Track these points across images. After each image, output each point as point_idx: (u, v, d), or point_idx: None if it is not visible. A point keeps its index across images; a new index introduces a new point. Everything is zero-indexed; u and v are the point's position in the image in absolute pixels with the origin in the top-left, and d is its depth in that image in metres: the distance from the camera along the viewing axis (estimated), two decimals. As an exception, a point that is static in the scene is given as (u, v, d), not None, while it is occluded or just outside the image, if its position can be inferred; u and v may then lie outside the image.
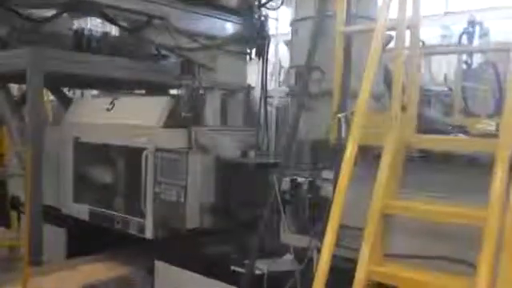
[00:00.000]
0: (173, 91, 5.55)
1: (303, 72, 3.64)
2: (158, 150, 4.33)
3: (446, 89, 7.44)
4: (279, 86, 7.87)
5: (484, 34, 7.85)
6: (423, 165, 3.04)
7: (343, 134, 3.18)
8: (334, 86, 3.32)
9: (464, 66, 7.25)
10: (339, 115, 3.17)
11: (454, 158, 3.20)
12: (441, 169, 3.09)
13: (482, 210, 2.16)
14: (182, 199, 4.15)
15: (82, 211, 5.08)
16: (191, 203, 4.15)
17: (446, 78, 8.26)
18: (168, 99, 4.59)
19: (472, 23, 7.79)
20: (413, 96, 3.01)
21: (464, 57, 7.19)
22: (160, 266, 4.32)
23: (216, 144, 4.44)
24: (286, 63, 9.17)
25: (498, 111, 6.16)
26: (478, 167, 3.04)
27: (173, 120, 4.43)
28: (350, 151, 2.62)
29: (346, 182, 2.57)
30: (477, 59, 7.68)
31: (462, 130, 3.23)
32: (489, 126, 3.02)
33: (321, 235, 3.33)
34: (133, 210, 4.52)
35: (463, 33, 7.70)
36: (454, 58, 7.84)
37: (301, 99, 3.64)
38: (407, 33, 2.93)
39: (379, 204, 2.67)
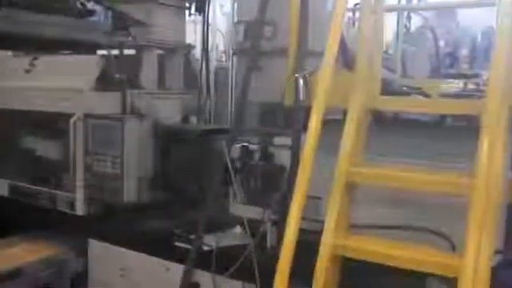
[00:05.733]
0: (103, 51, 5.00)
1: (253, 27, 3.30)
2: (87, 115, 3.86)
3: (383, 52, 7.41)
4: (216, 48, 7.48)
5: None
6: (382, 129, 2.86)
7: (301, 96, 2.91)
8: (289, 42, 3.02)
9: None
10: (297, 75, 2.88)
11: (414, 121, 3.06)
12: (401, 132, 2.93)
13: (468, 177, 1.97)
14: (118, 170, 3.72)
15: (0, 187, 4.52)
16: (128, 174, 3.74)
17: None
18: (98, 58, 4.08)
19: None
20: (377, 56, 2.78)
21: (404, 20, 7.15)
22: (94, 244, 3.91)
23: (154, 109, 4.02)
24: (221, 25, 8.78)
25: (434, 74, 6.25)
26: (441, 130, 2.92)
27: (104, 82, 3.95)
28: (316, 121, 2.34)
29: (312, 154, 2.31)
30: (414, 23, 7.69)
31: (420, 91, 3.07)
32: (455, 86, 2.86)
33: (275, 206, 3.12)
34: (61, 184, 4.04)
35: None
36: (392, 22, 7.82)
37: (251, 58, 3.31)
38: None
39: (345, 172, 2.44)
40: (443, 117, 2.93)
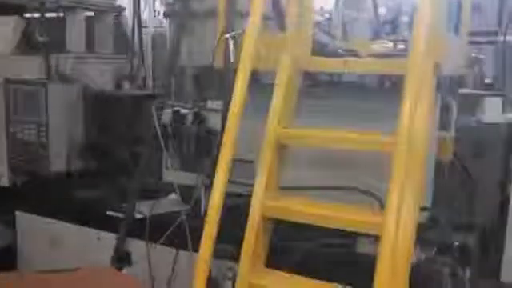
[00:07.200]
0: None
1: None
2: (8, 81, 3.63)
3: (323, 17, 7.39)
4: (154, 14, 7.22)
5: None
6: (310, 90, 2.82)
7: (231, 58, 2.82)
8: (219, 2, 2.91)
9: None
10: (226, 35, 2.78)
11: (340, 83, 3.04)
12: (327, 94, 2.91)
13: (391, 135, 1.96)
14: (44, 138, 3.55)
15: None
16: (55, 142, 3.58)
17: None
18: (18, 20, 3.82)
19: None
20: (307, 16, 2.71)
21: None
22: (22, 216, 3.74)
23: (82, 74, 3.83)
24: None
25: (374, 37, 6.29)
26: (366, 91, 2.91)
27: (26, 45, 3.72)
28: (241, 83, 2.26)
29: (237, 117, 2.24)
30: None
31: (353, 52, 3.05)
32: (385, 46, 2.85)
33: (208, 171, 3.05)
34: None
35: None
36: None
37: (181, 20, 3.17)
38: None
39: (274, 133, 2.40)
40: (381, 79, 2.92)
